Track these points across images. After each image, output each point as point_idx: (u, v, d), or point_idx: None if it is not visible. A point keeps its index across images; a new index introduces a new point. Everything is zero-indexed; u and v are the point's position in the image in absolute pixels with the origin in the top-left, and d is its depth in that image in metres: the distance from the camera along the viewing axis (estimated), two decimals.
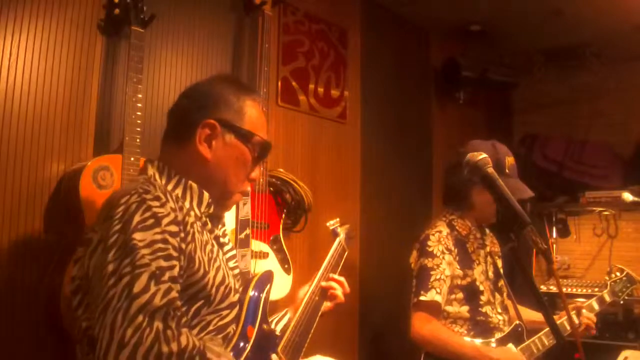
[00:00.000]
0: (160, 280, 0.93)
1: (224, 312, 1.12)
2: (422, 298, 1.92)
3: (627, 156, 3.80)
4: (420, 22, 3.56)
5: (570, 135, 3.88)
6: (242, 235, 2.02)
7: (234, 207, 2.02)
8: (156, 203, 1.01)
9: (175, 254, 0.99)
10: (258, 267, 2.10)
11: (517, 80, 3.87)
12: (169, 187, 1.12)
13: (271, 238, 2.21)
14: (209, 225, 1.17)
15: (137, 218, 0.97)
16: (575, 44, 3.71)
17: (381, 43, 3.27)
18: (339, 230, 1.70)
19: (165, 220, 1.00)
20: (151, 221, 0.97)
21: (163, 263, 0.95)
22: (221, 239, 1.23)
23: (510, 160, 2.00)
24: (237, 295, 1.17)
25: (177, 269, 0.98)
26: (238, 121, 1.17)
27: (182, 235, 1.03)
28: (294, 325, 1.35)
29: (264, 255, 2.15)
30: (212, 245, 1.14)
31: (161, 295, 0.92)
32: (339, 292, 1.50)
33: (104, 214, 1.02)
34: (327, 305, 1.50)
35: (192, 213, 1.11)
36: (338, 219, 1.76)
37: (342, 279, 1.53)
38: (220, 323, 1.11)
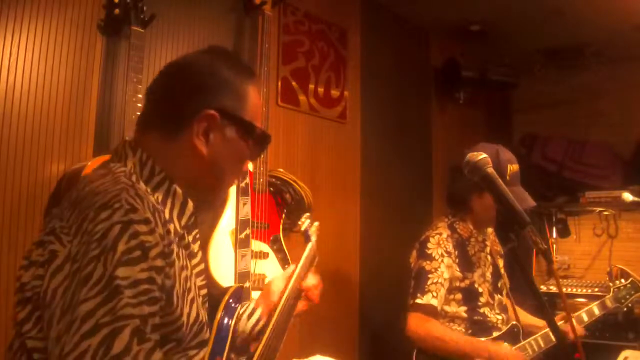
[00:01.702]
0: (144, 337, 0.79)
1: (192, 352, 0.97)
2: (418, 301, 1.93)
3: (627, 156, 3.80)
4: (420, 22, 3.56)
5: (570, 135, 3.88)
6: (242, 235, 2.02)
7: (234, 207, 2.02)
8: (144, 228, 0.83)
9: (158, 294, 0.83)
10: (258, 267, 2.10)
11: (517, 80, 3.87)
12: (150, 187, 0.95)
13: (271, 238, 2.21)
14: (186, 240, 1.00)
15: (121, 247, 0.79)
16: (575, 44, 3.72)
17: (381, 43, 3.27)
18: (310, 232, 1.65)
19: (153, 253, 0.83)
20: (138, 253, 0.81)
21: (147, 309, 0.80)
22: (192, 248, 1.05)
23: (513, 167, 1.97)
24: (208, 332, 1.02)
25: (159, 313, 0.84)
26: (240, 110, 1.00)
27: (167, 269, 0.87)
28: (268, 335, 1.26)
29: (264, 255, 2.15)
30: (186, 269, 0.97)
31: (144, 358, 0.78)
32: (315, 293, 1.46)
33: (76, 219, 0.84)
34: (301, 305, 1.45)
35: (171, 228, 0.93)
36: (308, 215, 1.71)
37: (316, 281, 1.51)
38: None
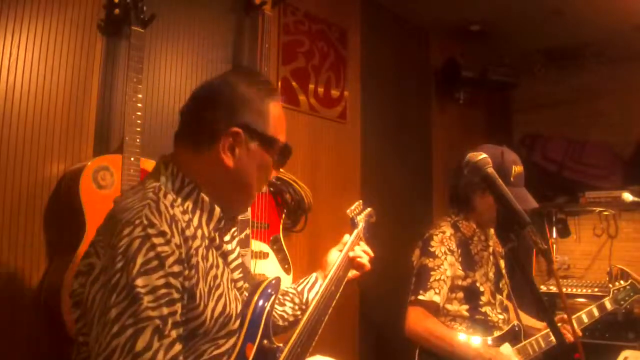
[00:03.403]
0: (163, 334, 0.93)
1: (221, 341, 1.09)
2: (420, 297, 1.93)
3: (627, 156, 3.80)
4: (420, 22, 3.56)
5: (570, 135, 3.88)
6: (242, 235, 2.02)
7: None
8: (160, 240, 0.97)
9: (177, 295, 0.97)
10: (258, 267, 2.10)
11: (517, 80, 3.87)
12: (180, 198, 1.08)
13: (271, 238, 2.21)
14: (217, 241, 1.13)
15: (140, 259, 0.94)
16: (575, 44, 3.72)
17: (381, 43, 3.27)
18: (357, 219, 1.61)
19: (169, 261, 0.97)
20: (155, 263, 0.95)
21: (166, 310, 0.94)
22: (228, 247, 1.19)
23: (517, 169, 1.97)
24: (237, 322, 1.13)
25: (179, 311, 0.98)
26: (262, 126, 1.12)
27: (186, 272, 1.00)
28: (314, 306, 1.31)
29: (264, 255, 2.15)
30: (217, 268, 1.10)
31: (164, 352, 0.92)
32: (365, 259, 1.51)
33: (108, 234, 0.99)
34: (354, 273, 1.52)
35: (199, 233, 1.07)
36: (360, 202, 1.66)
37: (367, 248, 1.55)
38: (216, 352, 1.08)
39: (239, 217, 2.02)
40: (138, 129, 1.72)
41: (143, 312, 0.91)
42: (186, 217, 1.05)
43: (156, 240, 0.96)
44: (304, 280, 1.48)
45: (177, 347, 0.95)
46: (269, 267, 2.14)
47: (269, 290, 1.22)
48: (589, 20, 3.27)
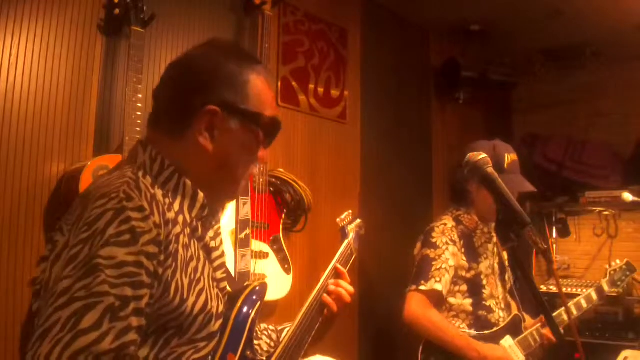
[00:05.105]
0: (117, 316, 0.78)
1: (201, 344, 0.97)
2: (421, 288, 1.93)
3: (627, 156, 3.80)
4: (420, 22, 3.56)
5: (570, 135, 3.88)
6: (242, 235, 2.02)
7: (234, 207, 2.02)
8: (137, 215, 0.84)
9: (148, 280, 0.84)
10: (258, 267, 2.10)
11: (517, 80, 3.86)
12: (160, 181, 0.96)
13: (271, 238, 2.21)
14: (199, 232, 1.01)
15: (110, 231, 0.81)
16: (575, 44, 3.71)
17: (381, 43, 3.27)
18: (348, 229, 1.56)
19: (145, 238, 0.83)
20: (127, 237, 0.82)
21: (129, 292, 0.80)
22: (212, 243, 1.06)
23: (511, 157, 2.01)
24: (218, 323, 1.01)
25: (146, 299, 0.84)
26: (243, 101, 0.99)
27: (162, 257, 0.87)
28: (290, 336, 1.22)
29: (264, 255, 2.15)
30: (198, 260, 0.98)
31: (113, 337, 0.77)
32: (344, 295, 1.34)
33: (77, 211, 0.88)
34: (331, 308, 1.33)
35: (180, 219, 0.95)
36: (350, 212, 1.63)
37: (347, 285, 1.37)
38: (195, 356, 0.96)
39: (240, 218, 2.02)
40: (138, 129, 1.72)
41: (99, 286, 0.78)
42: (167, 201, 0.94)
43: (132, 214, 0.83)
44: (287, 325, 1.35)
45: (132, 336, 0.80)
46: (269, 267, 2.14)
47: (254, 297, 1.11)
48: (589, 20, 3.27)
